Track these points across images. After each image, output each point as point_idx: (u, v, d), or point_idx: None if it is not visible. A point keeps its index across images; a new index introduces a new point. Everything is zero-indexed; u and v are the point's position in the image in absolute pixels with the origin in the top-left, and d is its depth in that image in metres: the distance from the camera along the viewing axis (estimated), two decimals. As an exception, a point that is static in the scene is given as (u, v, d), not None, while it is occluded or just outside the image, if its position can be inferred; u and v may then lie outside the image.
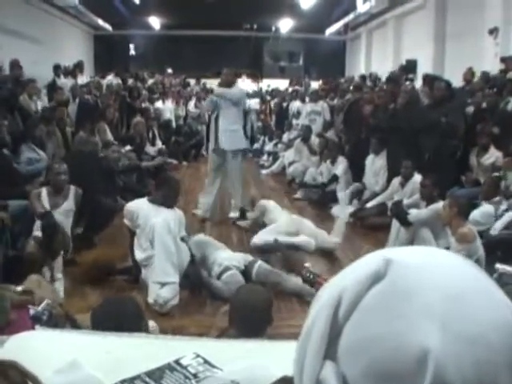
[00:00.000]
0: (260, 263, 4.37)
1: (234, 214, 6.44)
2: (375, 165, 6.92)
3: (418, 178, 5.63)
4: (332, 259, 5.12)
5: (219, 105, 6.43)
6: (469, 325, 0.43)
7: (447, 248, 3.91)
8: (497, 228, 4.74)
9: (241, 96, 6.69)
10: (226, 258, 4.38)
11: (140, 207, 4.21)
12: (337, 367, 0.47)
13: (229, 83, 6.52)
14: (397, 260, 0.48)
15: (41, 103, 8.12)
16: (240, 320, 2.36)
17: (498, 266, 3.63)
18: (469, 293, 0.45)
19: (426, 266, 0.48)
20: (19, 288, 2.74)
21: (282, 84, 15.73)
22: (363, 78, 12.66)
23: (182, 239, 4.25)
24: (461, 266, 0.48)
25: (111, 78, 12.16)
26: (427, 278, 0.46)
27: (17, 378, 0.94)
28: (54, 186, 4.66)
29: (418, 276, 0.46)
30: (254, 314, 2.38)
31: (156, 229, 4.04)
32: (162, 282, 3.95)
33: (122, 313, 2.11)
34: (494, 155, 6.10)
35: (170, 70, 15.87)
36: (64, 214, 4.62)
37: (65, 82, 9.80)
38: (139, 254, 4.13)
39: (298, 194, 7.88)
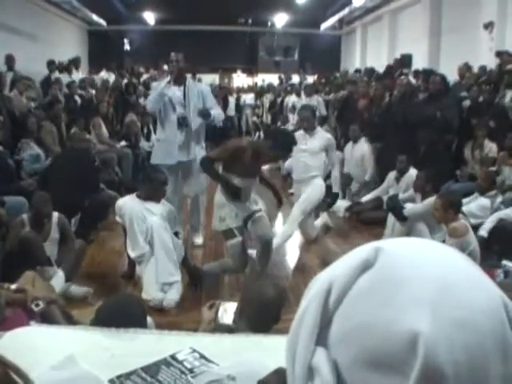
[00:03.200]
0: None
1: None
2: (354, 153, 6.86)
3: (413, 172, 5.63)
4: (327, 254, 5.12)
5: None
6: (458, 310, 0.44)
7: (443, 242, 3.91)
8: (485, 228, 4.74)
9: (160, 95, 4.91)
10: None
11: (126, 203, 4.15)
12: (328, 354, 0.47)
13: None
14: (386, 249, 0.49)
15: (33, 99, 8.06)
16: (250, 314, 2.34)
17: (505, 262, 3.63)
18: (458, 279, 0.46)
19: (415, 254, 0.49)
20: (13, 286, 2.74)
21: (276, 79, 15.70)
22: (358, 71, 12.65)
23: (176, 234, 4.23)
24: (449, 255, 0.49)
25: (103, 74, 12.12)
26: (416, 266, 0.47)
27: None
28: (37, 220, 4.04)
29: (406, 264, 0.47)
30: (264, 309, 2.36)
31: (154, 228, 3.99)
32: (168, 283, 3.92)
33: (127, 312, 2.11)
34: (487, 146, 6.12)
35: (165, 67, 15.79)
36: (50, 245, 4.13)
37: (59, 78, 9.74)
38: (130, 252, 4.09)
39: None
